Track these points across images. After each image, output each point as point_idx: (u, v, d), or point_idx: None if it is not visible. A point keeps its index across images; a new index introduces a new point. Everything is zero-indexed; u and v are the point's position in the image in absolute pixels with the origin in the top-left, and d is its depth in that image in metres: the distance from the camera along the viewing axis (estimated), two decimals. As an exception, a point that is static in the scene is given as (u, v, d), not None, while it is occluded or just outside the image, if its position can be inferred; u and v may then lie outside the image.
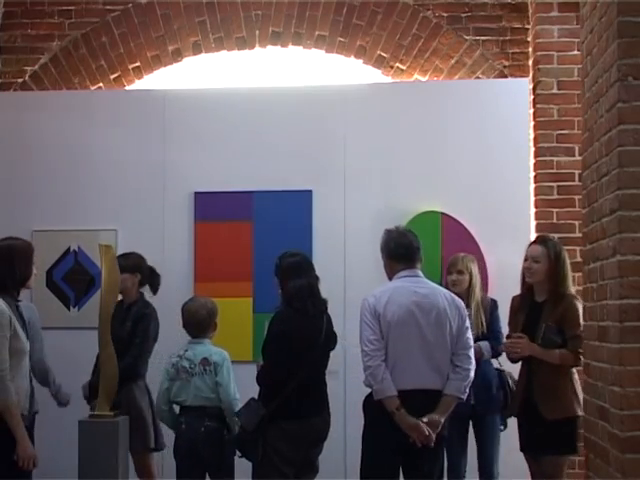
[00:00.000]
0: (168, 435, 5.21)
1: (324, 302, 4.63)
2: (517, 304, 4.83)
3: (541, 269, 4.66)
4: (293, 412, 4.42)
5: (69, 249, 6.12)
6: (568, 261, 4.72)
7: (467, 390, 4.38)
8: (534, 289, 4.74)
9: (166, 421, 5.07)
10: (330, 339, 4.62)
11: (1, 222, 6.02)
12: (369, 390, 4.38)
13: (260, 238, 5.95)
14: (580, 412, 4.52)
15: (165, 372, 4.97)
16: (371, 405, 4.32)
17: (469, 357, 4.37)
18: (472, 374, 4.38)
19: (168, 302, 6.02)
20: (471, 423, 5.19)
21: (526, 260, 4.73)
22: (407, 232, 4.57)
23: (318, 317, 4.56)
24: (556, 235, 5.75)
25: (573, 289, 4.75)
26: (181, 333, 6.01)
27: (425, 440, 4.23)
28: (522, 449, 4.71)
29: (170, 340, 6.02)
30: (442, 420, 4.29)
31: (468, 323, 4.46)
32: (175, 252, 6.09)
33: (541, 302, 4.69)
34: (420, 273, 4.49)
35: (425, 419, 4.22)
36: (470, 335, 4.44)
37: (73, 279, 6.13)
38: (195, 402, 4.83)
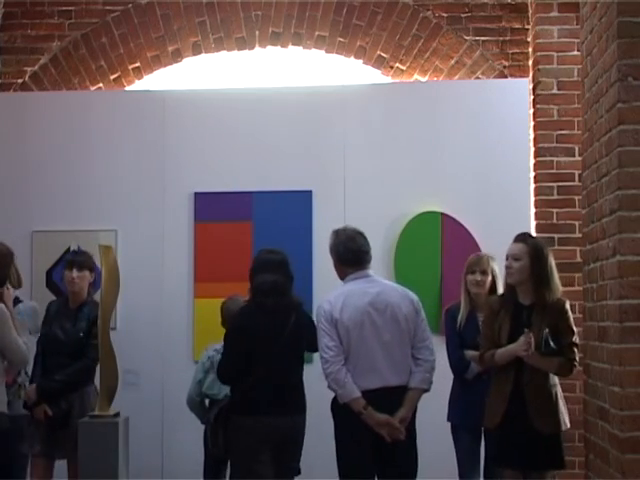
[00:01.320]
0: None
1: (292, 300, 4.52)
2: (497, 306, 4.47)
3: (522, 268, 4.35)
4: (249, 408, 4.38)
5: (69, 249, 6.11)
6: (553, 261, 4.42)
7: (432, 381, 4.38)
8: (517, 291, 4.42)
9: (197, 412, 5.15)
10: (299, 339, 4.50)
11: (1, 222, 6.03)
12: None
13: (260, 238, 5.94)
14: (567, 425, 4.42)
15: (201, 364, 5.11)
16: (339, 407, 4.32)
17: (429, 348, 4.40)
18: (434, 365, 4.41)
19: (168, 302, 6.04)
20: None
21: (507, 259, 4.46)
22: (356, 235, 4.50)
23: (282, 315, 4.46)
24: (556, 235, 5.78)
25: (560, 289, 4.43)
26: (184, 332, 6.04)
27: (395, 434, 4.25)
28: (498, 462, 4.40)
29: (172, 339, 6.04)
30: (410, 415, 4.32)
31: (423, 315, 4.46)
32: (175, 252, 6.08)
33: (528, 305, 4.36)
34: (370, 272, 4.49)
35: (396, 418, 4.25)
36: (426, 327, 4.45)
37: (73, 279, 6.12)
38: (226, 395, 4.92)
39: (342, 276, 4.52)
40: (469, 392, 4.78)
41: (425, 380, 4.36)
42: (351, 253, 4.44)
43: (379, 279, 4.52)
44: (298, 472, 4.56)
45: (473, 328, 4.78)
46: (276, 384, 4.39)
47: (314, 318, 4.47)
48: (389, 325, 4.33)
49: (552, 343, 4.18)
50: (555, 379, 4.34)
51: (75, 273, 5.12)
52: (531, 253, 4.35)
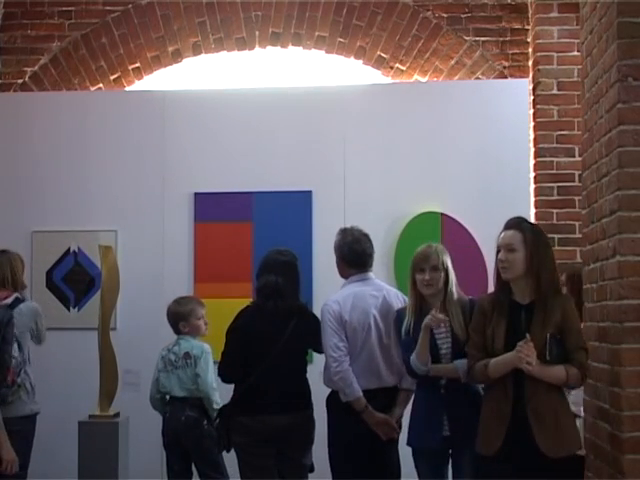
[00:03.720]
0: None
1: (293, 304, 4.49)
2: (489, 307, 3.79)
3: (519, 260, 3.69)
4: (247, 407, 4.41)
5: (69, 250, 6.12)
6: (552, 250, 3.86)
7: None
8: (512, 288, 3.77)
9: (158, 409, 5.20)
10: (301, 342, 4.49)
11: (1, 222, 6.04)
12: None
13: (260, 239, 5.95)
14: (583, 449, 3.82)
15: (155, 365, 5.17)
16: (336, 404, 4.41)
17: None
18: None
19: (168, 302, 6.04)
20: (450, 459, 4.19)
21: (499, 251, 3.77)
22: (361, 237, 4.57)
23: (282, 318, 4.44)
24: (556, 236, 5.78)
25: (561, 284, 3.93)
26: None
27: (391, 433, 4.37)
28: None
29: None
30: (402, 414, 4.45)
31: None
32: (175, 252, 6.08)
33: (527, 305, 3.72)
34: (371, 275, 4.58)
35: (392, 417, 4.38)
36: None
37: (73, 280, 6.12)
38: (178, 392, 5.04)
39: (344, 275, 4.60)
40: (429, 409, 4.15)
41: (415, 382, 4.45)
42: (355, 255, 4.53)
43: (380, 283, 4.62)
44: (311, 469, 4.59)
45: None
46: (274, 385, 4.39)
47: (319, 317, 4.49)
48: (389, 329, 4.45)
49: (559, 350, 3.59)
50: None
51: None
52: (528, 242, 3.70)
